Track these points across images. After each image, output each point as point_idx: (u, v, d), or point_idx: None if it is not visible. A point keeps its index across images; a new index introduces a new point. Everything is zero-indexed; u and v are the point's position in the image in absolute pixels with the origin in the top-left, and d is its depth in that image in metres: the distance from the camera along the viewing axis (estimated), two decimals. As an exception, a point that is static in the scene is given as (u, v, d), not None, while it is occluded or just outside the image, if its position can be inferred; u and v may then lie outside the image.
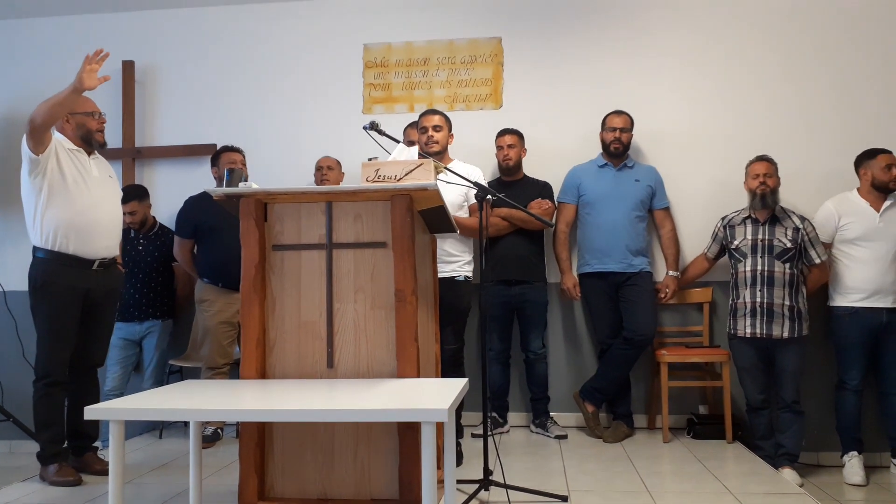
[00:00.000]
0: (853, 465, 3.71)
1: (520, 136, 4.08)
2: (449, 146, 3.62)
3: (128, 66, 4.61)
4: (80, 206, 3.07)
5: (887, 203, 3.75)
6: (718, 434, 3.84)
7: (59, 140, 3.13)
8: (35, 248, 3.10)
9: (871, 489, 3.62)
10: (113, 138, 4.55)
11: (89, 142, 3.19)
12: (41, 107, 2.91)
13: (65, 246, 3.06)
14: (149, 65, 4.66)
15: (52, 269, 3.06)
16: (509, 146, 4.03)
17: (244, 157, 4.01)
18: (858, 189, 3.83)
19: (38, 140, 2.95)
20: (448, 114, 3.72)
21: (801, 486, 3.35)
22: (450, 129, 3.60)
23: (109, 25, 4.68)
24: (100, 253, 3.15)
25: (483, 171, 4.14)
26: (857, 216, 3.77)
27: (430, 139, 3.48)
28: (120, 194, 3.40)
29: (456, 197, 3.44)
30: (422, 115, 3.60)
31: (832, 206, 3.86)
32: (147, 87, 4.67)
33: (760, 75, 4.22)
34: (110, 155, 4.46)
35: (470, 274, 3.61)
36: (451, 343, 3.42)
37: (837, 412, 3.82)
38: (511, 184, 4.07)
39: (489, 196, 3.03)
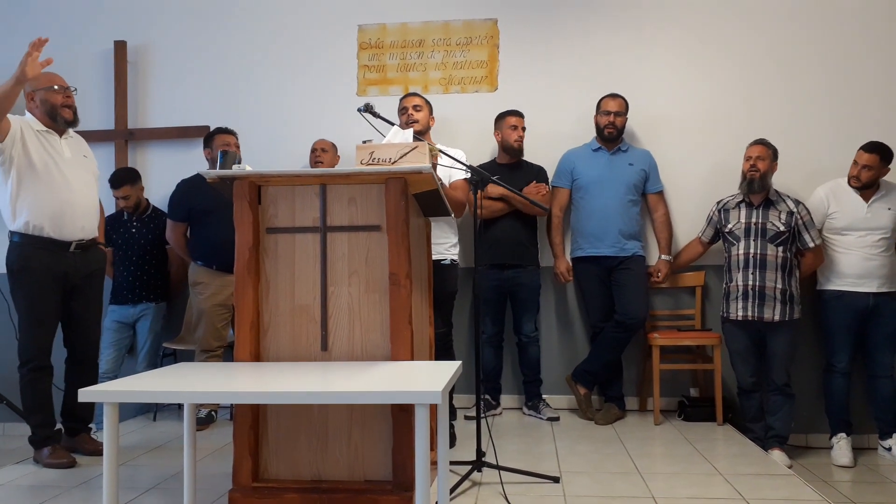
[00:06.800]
0: (841, 447, 3.76)
1: None
2: (431, 129, 3.64)
3: (119, 47, 4.56)
4: (51, 190, 3.03)
5: (877, 195, 3.78)
6: (709, 416, 3.88)
7: (28, 122, 3.08)
8: (11, 233, 3.08)
9: (858, 470, 3.67)
10: (105, 120, 4.56)
11: (55, 118, 3.12)
12: None
13: (39, 229, 3.03)
14: (141, 45, 4.61)
15: (27, 252, 3.04)
16: (523, 128, 4.02)
17: (237, 139, 3.99)
18: None
19: None
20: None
21: (789, 467, 3.39)
22: (430, 112, 3.65)
23: (101, 5, 4.62)
24: (76, 234, 3.12)
25: (480, 153, 4.16)
26: (845, 205, 3.80)
27: (410, 118, 3.51)
28: (96, 173, 3.34)
29: None
30: (402, 98, 3.68)
31: (823, 193, 3.89)
32: (139, 68, 4.62)
33: (755, 60, 4.21)
34: (102, 137, 4.46)
35: (456, 257, 3.63)
36: (440, 327, 3.45)
37: (826, 395, 3.87)
38: (510, 167, 4.05)
39: (487, 179, 3.04)
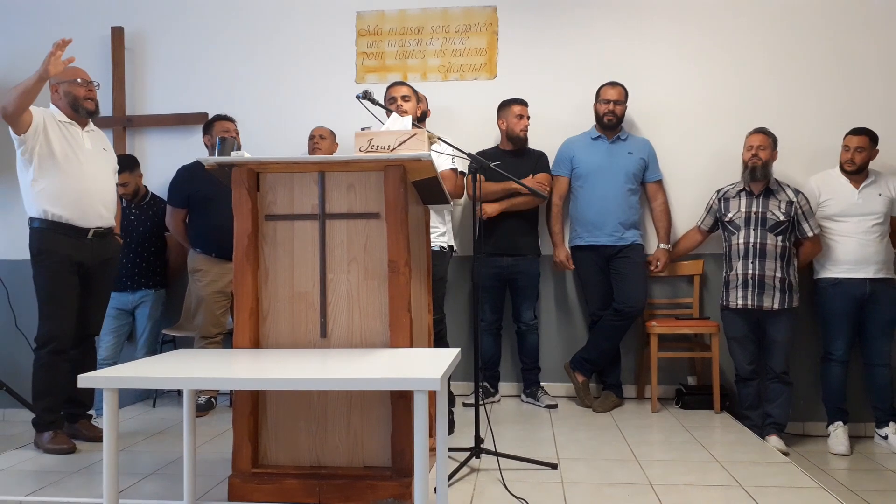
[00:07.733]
0: (838, 435, 3.78)
1: None
2: (428, 118, 3.61)
3: (117, 33, 4.53)
4: (71, 179, 3.09)
5: (867, 181, 3.79)
6: (706, 404, 3.89)
7: (51, 113, 3.13)
8: (31, 219, 3.13)
9: (854, 458, 3.69)
10: (103, 107, 4.49)
11: (77, 110, 3.18)
12: (9, 95, 2.91)
13: (58, 217, 3.08)
14: (138, 31, 4.59)
15: (47, 237, 3.09)
16: (528, 116, 4.01)
17: (237, 126, 3.98)
18: None
19: (16, 125, 2.98)
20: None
21: (786, 454, 3.41)
22: (418, 101, 3.63)
23: (97, -10, 4.60)
24: (94, 222, 3.17)
25: (479, 141, 4.15)
26: (836, 193, 3.83)
27: (398, 108, 3.49)
28: (115, 167, 3.39)
29: None
30: (389, 87, 3.64)
31: (814, 183, 3.92)
32: (137, 55, 4.60)
33: (754, 48, 4.19)
34: (101, 123, 4.43)
35: (444, 244, 3.62)
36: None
37: (823, 383, 3.89)
38: (513, 153, 4.04)
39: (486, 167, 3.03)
